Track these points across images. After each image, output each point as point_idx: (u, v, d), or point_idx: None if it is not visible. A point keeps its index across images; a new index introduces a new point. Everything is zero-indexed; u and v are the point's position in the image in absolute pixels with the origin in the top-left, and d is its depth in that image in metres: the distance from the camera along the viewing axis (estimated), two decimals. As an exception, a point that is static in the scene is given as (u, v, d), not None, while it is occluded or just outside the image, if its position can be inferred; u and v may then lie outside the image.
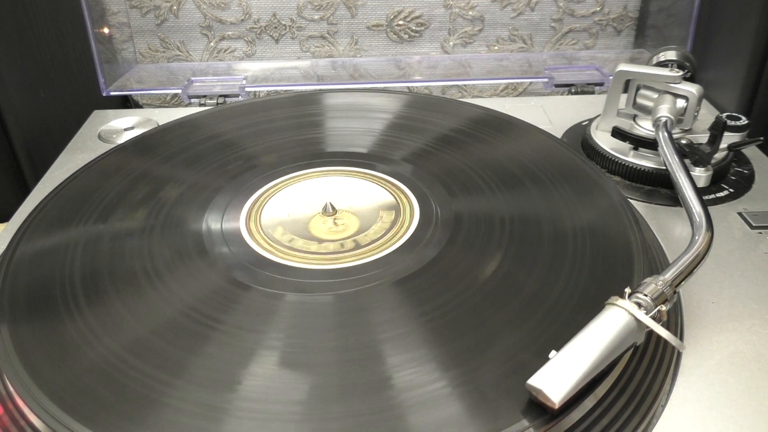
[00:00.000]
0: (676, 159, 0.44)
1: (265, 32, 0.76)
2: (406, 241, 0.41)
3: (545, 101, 0.65)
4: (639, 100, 0.52)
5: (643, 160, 0.50)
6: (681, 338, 0.36)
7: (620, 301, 0.31)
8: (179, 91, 0.69)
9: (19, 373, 0.32)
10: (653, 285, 0.32)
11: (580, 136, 0.57)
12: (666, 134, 0.47)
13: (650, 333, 0.31)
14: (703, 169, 0.47)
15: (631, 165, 0.50)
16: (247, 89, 0.69)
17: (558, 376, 0.28)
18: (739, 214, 0.47)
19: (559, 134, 0.58)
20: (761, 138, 0.51)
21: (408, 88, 0.76)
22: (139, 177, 0.48)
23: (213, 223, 0.43)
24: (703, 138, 0.49)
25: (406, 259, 0.39)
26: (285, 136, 0.54)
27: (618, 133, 0.51)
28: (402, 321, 0.34)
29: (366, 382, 0.31)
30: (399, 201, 0.45)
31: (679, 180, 0.42)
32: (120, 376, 0.31)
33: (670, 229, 0.45)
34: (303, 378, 0.31)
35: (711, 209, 0.45)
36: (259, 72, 0.74)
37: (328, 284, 0.38)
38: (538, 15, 0.76)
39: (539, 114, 0.62)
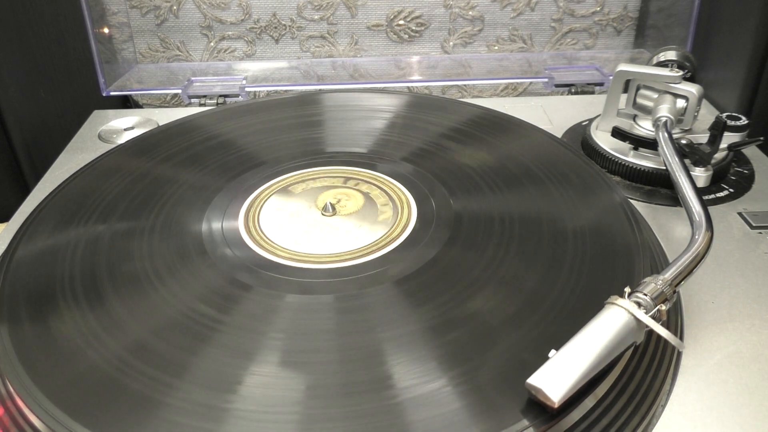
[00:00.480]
0: (676, 159, 0.44)
1: (265, 32, 0.76)
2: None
3: (545, 101, 0.65)
4: (639, 100, 0.52)
5: (643, 160, 0.50)
6: (681, 338, 0.36)
7: (620, 301, 0.31)
8: (179, 91, 0.69)
9: (19, 373, 0.32)
10: (653, 284, 0.32)
11: (580, 136, 0.57)
12: (666, 134, 0.47)
13: (650, 333, 0.31)
14: (703, 169, 0.47)
15: (631, 165, 0.50)
16: (247, 89, 0.69)
17: (557, 376, 0.28)
18: (739, 214, 0.47)
19: (559, 134, 0.58)
20: (761, 138, 0.51)
21: (408, 88, 0.76)
22: (139, 177, 0.48)
23: (213, 223, 0.43)
24: (703, 138, 0.49)
25: (406, 258, 0.39)
26: (285, 136, 0.54)
27: (618, 133, 0.51)
28: (402, 321, 0.34)
29: (366, 382, 0.31)
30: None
31: (679, 180, 0.42)
32: (120, 376, 0.31)
33: (670, 229, 0.45)
34: (303, 378, 0.31)
35: (711, 209, 0.46)
36: (259, 72, 0.74)
37: (328, 284, 0.38)
38: (538, 15, 0.76)
39: (539, 114, 0.62)
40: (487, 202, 0.44)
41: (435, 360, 0.32)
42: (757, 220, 0.46)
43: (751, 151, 0.54)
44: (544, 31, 0.77)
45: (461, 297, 0.36)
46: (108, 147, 0.56)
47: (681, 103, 0.50)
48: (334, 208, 0.44)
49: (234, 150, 0.52)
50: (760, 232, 0.45)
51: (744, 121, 0.51)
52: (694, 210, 0.39)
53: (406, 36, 0.76)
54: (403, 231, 0.42)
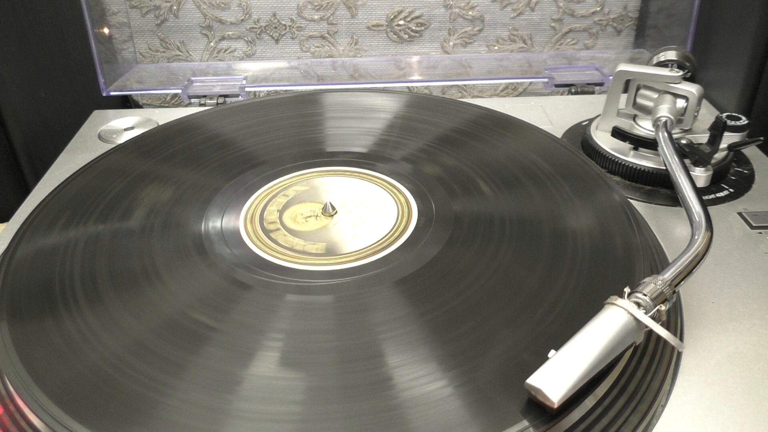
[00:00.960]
0: (676, 159, 0.44)
1: (265, 32, 0.76)
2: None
3: (545, 101, 0.65)
4: (639, 100, 0.52)
5: (643, 160, 0.50)
6: (681, 338, 0.36)
7: (619, 301, 0.31)
8: (179, 91, 0.69)
9: (19, 373, 0.32)
10: (652, 284, 0.32)
11: (580, 136, 0.57)
12: (666, 134, 0.47)
13: (650, 333, 0.31)
14: (703, 169, 0.47)
15: (631, 165, 0.50)
16: (247, 89, 0.69)
17: (557, 376, 0.28)
18: (739, 214, 0.47)
19: (559, 134, 0.58)
20: (761, 138, 0.51)
21: (408, 88, 0.76)
22: (139, 177, 0.48)
23: (212, 223, 0.43)
24: (703, 138, 0.49)
25: (406, 258, 0.39)
26: (285, 136, 0.54)
27: (618, 133, 0.51)
28: (402, 321, 0.34)
29: (366, 382, 0.31)
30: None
31: (679, 180, 0.42)
32: (120, 376, 0.31)
33: (670, 229, 0.45)
34: (303, 378, 0.31)
35: (711, 209, 0.46)
36: (259, 72, 0.74)
37: (328, 284, 0.38)
38: (538, 15, 0.76)
39: (539, 114, 0.62)
40: (487, 202, 0.44)
41: (435, 360, 0.32)
42: (757, 220, 0.46)
43: (751, 151, 0.54)
44: (544, 31, 0.77)
45: (461, 297, 0.36)
46: (108, 147, 0.56)
47: (681, 103, 0.50)
48: (334, 208, 0.44)
49: (234, 150, 0.52)
50: (760, 232, 0.45)
51: (744, 121, 0.51)
52: (693, 210, 0.39)
53: (406, 36, 0.76)
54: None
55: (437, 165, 0.48)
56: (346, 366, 0.32)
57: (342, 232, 0.42)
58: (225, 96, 0.68)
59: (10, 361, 0.32)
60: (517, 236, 0.40)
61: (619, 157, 0.51)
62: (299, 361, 0.32)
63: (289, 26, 0.75)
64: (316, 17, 0.75)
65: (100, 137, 0.61)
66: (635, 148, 0.51)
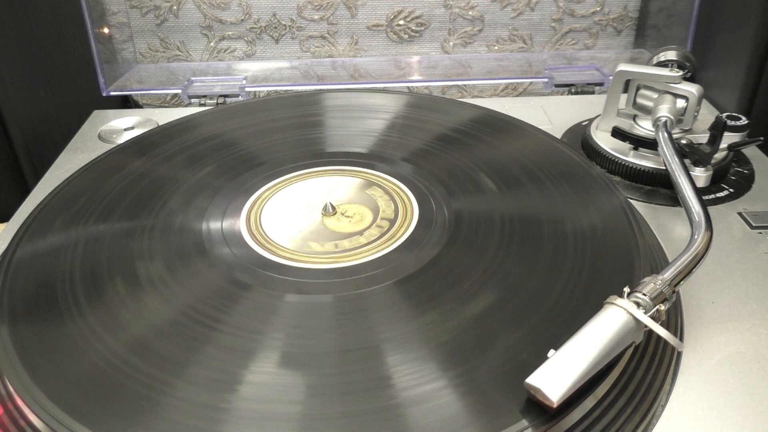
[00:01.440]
0: (676, 159, 0.44)
1: (265, 32, 0.76)
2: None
3: (545, 101, 0.65)
4: (639, 100, 0.52)
5: (643, 160, 0.50)
6: (681, 338, 0.36)
7: (619, 300, 0.31)
8: (179, 91, 0.69)
9: (19, 373, 0.32)
10: (652, 284, 0.32)
11: (580, 136, 0.57)
12: (666, 134, 0.47)
13: (650, 333, 0.31)
14: (703, 169, 0.47)
15: (631, 165, 0.50)
16: (247, 89, 0.69)
17: (556, 375, 0.28)
18: (739, 214, 0.47)
19: (559, 134, 0.58)
20: (761, 138, 0.51)
21: (408, 88, 0.76)
22: (139, 177, 0.48)
23: (213, 223, 0.43)
24: (703, 138, 0.49)
25: (406, 259, 0.39)
26: (285, 136, 0.54)
27: (618, 133, 0.51)
28: (402, 321, 0.34)
29: (366, 382, 0.31)
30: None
31: (679, 180, 0.42)
32: (120, 376, 0.31)
33: (670, 229, 0.45)
34: (303, 378, 0.31)
35: (711, 209, 0.46)
36: (259, 72, 0.74)
37: (328, 284, 0.38)
38: (538, 15, 0.76)
39: (539, 114, 0.62)
40: (487, 202, 0.44)
41: (435, 360, 0.32)
42: (757, 220, 0.46)
43: (751, 151, 0.54)
44: (544, 31, 0.77)
45: (461, 297, 0.36)
46: (108, 147, 0.56)
47: (681, 103, 0.50)
48: (334, 208, 0.44)
49: (234, 150, 0.52)
50: (760, 232, 0.45)
51: (744, 121, 0.51)
52: (693, 210, 0.39)
53: (406, 36, 0.76)
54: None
55: (437, 165, 0.48)
56: (346, 366, 0.32)
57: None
58: (225, 96, 0.68)
59: (10, 361, 0.32)
60: (518, 236, 0.40)
61: (619, 157, 0.51)
62: (299, 361, 0.32)
63: (289, 26, 0.75)
64: (316, 17, 0.75)
65: (100, 137, 0.61)
66: (635, 148, 0.51)
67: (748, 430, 0.32)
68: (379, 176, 0.48)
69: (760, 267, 0.42)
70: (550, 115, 0.62)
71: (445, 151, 0.50)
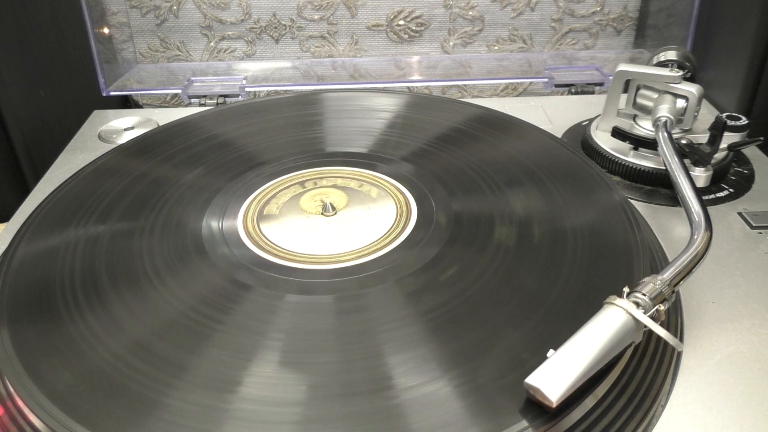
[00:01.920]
0: (676, 159, 0.44)
1: (265, 32, 0.76)
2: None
3: (545, 101, 0.65)
4: (639, 100, 0.52)
5: (643, 160, 0.50)
6: (681, 338, 0.36)
7: (618, 301, 0.31)
8: (179, 91, 0.69)
9: (19, 374, 0.32)
10: (651, 284, 0.32)
11: (580, 136, 0.57)
12: (666, 134, 0.47)
13: (650, 333, 0.31)
14: (703, 169, 0.47)
15: (631, 165, 0.50)
16: (247, 89, 0.69)
17: (556, 375, 0.28)
18: (739, 214, 0.47)
19: (559, 134, 0.58)
20: (761, 138, 0.51)
21: (408, 88, 0.76)
22: (139, 177, 0.48)
23: (213, 223, 0.43)
24: (703, 138, 0.49)
25: (406, 258, 0.39)
26: (285, 136, 0.54)
27: (618, 133, 0.51)
28: (402, 320, 0.34)
29: (366, 381, 0.31)
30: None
31: (679, 180, 0.42)
32: (120, 376, 0.31)
33: (670, 229, 0.45)
34: (303, 378, 0.31)
35: (711, 209, 0.46)
36: (259, 72, 0.74)
37: (328, 284, 0.38)
38: (538, 15, 0.76)
39: (539, 114, 0.62)
40: (487, 202, 0.44)
41: (435, 360, 0.32)
42: (757, 220, 0.46)
43: (751, 151, 0.54)
44: (544, 31, 0.77)
45: (461, 297, 0.36)
46: (108, 147, 0.56)
47: (681, 103, 0.50)
48: (333, 208, 0.44)
49: (234, 150, 0.52)
50: (760, 232, 0.45)
51: (744, 121, 0.51)
52: (693, 210, 0.39)
53: (406, 36, 0.76)
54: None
55: (437, 165, 0.48)
56: (346, 366, 0.32)
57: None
58: (225, 96, 0.68)
59: (10, 361, 0.32)
60: (517, 236, 0.40)
61: (619, 157, 0.51)
62: (299, 361, 0.32)
63: (289, 26, 0.75)
64: (316, 17, 0.75)
65: (100, 137, 0.61)
66: (635, 148, 0.51)
67: (748, 430, 0.32)
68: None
69: (760, 267, 0.42)
70: (550, 115, 0.62)
71: (445, 151, 0.50)
